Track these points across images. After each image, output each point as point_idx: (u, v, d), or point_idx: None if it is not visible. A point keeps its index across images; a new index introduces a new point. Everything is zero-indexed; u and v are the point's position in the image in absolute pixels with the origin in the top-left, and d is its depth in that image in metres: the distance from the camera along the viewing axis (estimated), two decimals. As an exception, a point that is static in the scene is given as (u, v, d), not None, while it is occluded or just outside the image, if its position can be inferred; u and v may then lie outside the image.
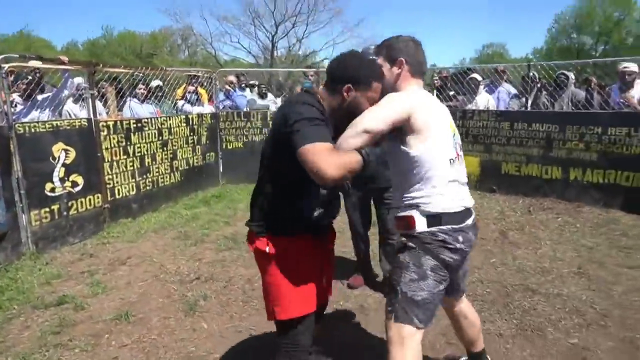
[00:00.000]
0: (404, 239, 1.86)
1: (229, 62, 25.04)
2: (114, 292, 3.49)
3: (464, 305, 2.14)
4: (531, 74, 6.12)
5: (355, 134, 1.64)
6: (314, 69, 7.67)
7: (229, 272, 3.83)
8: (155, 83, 6.33)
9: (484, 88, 6.45)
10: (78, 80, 5.01)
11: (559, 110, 5.64)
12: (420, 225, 1.78)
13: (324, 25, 22.12)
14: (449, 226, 1.77)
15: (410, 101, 1.76)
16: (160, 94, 6.33)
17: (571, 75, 5.80)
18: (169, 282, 3.65)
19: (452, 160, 1.80)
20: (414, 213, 1.79)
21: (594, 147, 5.29)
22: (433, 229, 1.77)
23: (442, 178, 1.77)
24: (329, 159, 1.46)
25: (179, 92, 6.92)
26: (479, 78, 6.36)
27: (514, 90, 6.35)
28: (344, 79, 1.68)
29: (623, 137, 5.10)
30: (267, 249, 1.75)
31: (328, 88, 1.75)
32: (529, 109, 5.91)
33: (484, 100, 6.27)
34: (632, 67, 5.55)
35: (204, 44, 23.18)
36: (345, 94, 1.69)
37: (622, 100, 5.50)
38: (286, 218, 1.75)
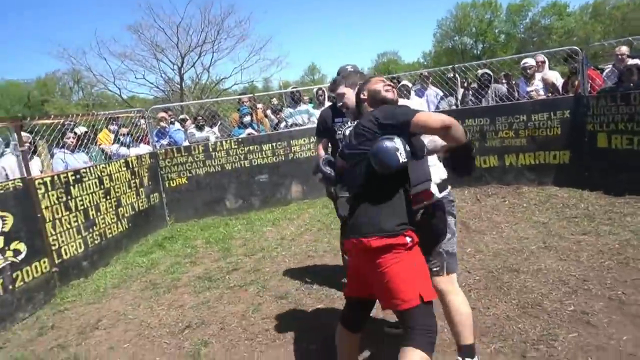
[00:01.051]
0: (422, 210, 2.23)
1: (130, 99, 23.88)
2: (98, 361, 3.14)
3: None
4: (451, 75, 6.65)
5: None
6: (249, 96, 7.60)
7: (219, 312, 3.63)
8: (81, 130, 5.85)
9: (415, 93, 6.85)
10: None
11: (486, 105, 6.17)
12: (436, 192, 2.20)
13: (230, 51, 21.99)
14: (447, 190, 2.40)
15: None
16: (87, 141, 5.87)
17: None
18: (157, 337, 3.37)
19: None
20: (428, 185, 2.19)
21: (522, 134, 5.86)
22: (444, 193, 2.34)
23: (433, 159, 2.36)
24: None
25: (102, 136, 6.48)
26: (409, 84, 6.76)
27: (441, 92, 6.82)
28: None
29: (545, 121, 5.71)
30: (407, 240, 1.97)
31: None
32: (459, 107, 6.38)
33: (416, 104, 6.64)
34: (531, 62, 6.31)
35: (105, 83, 21.83)
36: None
37: (530, 91, 6.19)
38: (409, 214, 2.05)
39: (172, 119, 7.59)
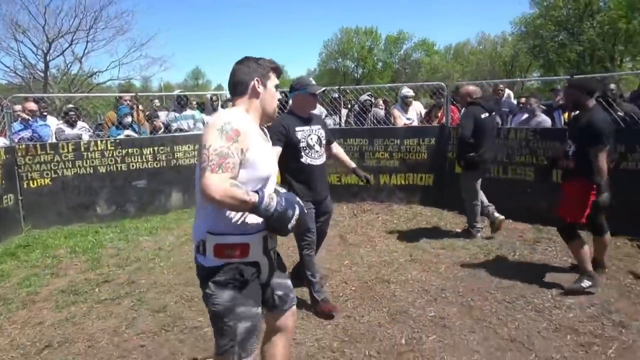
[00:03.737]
0: None
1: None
2: None
3: None
4: (336, 95, 7.09)
5: None
6: (131, 94, 7.10)
7: (86, 329, 3.33)
8: None
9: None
10: None
11: (367, 127, 6.69)
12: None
13: (107, 43, 20.15)
14: None
15: None
16: None
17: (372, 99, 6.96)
18: (7, 359, 2.97)
19: None
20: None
21: (396, 156, 6.48)
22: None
23: None
24: None
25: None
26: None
27: (325, 111, 7.19)
28: None
29: (415, 146, 6.39)
30: None
31: None
32: (342, 126, 6.80)
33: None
34: (410, 92, 7.05)
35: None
36: None
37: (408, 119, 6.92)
38: None
39: (45, 112, 6.71)
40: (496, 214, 4.94)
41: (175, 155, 6.61)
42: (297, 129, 3.30)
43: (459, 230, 5.28)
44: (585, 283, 3.48)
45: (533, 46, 29.03)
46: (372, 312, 3.41)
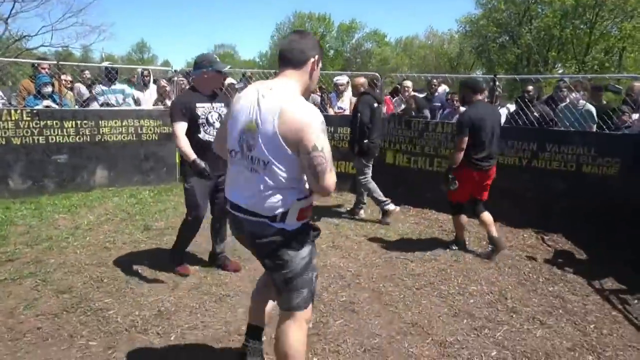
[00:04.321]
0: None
1: None
2: None
3: None
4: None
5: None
6: (51, 62, 6.61)
7: (-21, 310, 3.12)
8: None
9: (239, 92, 6.97)
10: None
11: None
12: None
13: (39, 5, 18.66)
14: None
15: None
16: None
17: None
18: None
19: (233, 153, 1.96)
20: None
21: (329, 144, 6.51)
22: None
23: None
24: None
25: None
26: (234, 81, 6.86)
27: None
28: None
29: (347, 135, 6.43)
30: None
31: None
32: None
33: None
34: (343, 79, 7.07)
35: None
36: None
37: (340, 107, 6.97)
38: None
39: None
40: (362, 211, 5.67)
41: (101, 131, 6.27)
42: (198, 105, 3.41)
43: (380, 217, 5.43)
44: (453, 247, 4.49)
45: (477, 45, 30.22)
46: (285, 296, 3.44)
